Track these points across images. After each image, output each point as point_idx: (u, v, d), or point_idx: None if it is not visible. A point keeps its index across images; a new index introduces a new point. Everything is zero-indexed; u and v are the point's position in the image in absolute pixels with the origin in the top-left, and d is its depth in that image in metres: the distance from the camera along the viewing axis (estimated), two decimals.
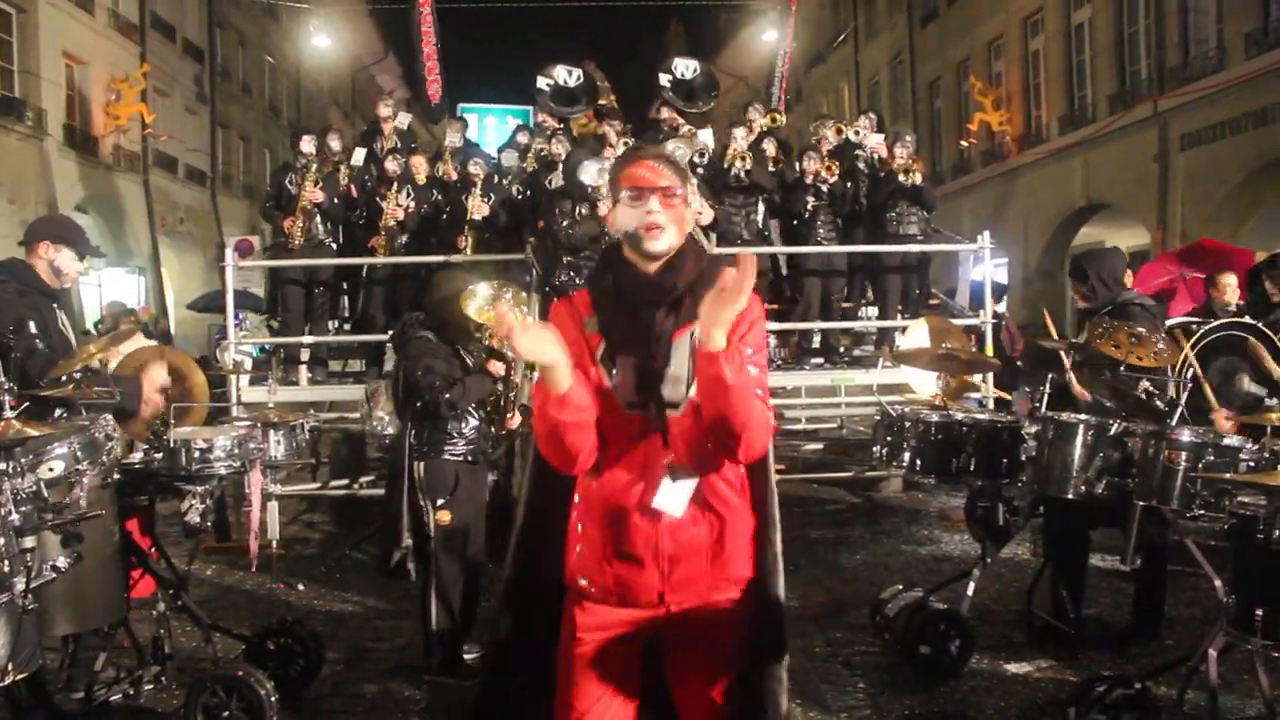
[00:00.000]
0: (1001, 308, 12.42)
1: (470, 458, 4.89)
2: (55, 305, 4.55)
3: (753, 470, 2.61)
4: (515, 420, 5.28)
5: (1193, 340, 5.17)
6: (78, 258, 4.58)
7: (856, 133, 9.75)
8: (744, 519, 2.57)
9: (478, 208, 8.92)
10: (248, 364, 9.15)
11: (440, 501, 4.77)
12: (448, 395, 4.68)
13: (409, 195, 9.11)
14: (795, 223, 9.31)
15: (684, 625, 2.54)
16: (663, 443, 2.45)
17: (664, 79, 9.72)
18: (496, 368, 4.93)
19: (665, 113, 9.47)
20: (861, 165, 9.53)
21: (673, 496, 2.46)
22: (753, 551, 2.59)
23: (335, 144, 9.56)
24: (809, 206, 9.10)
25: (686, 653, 2.57)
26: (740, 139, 9.11)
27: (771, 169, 9.27)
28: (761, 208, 9.12)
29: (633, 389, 2.46)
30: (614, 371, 2.45)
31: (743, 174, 8.89)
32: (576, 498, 2.60)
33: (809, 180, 9.10)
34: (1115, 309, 5.30)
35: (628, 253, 2.50)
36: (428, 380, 4.71)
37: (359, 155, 9.55)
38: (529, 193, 9.27)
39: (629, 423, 2.46)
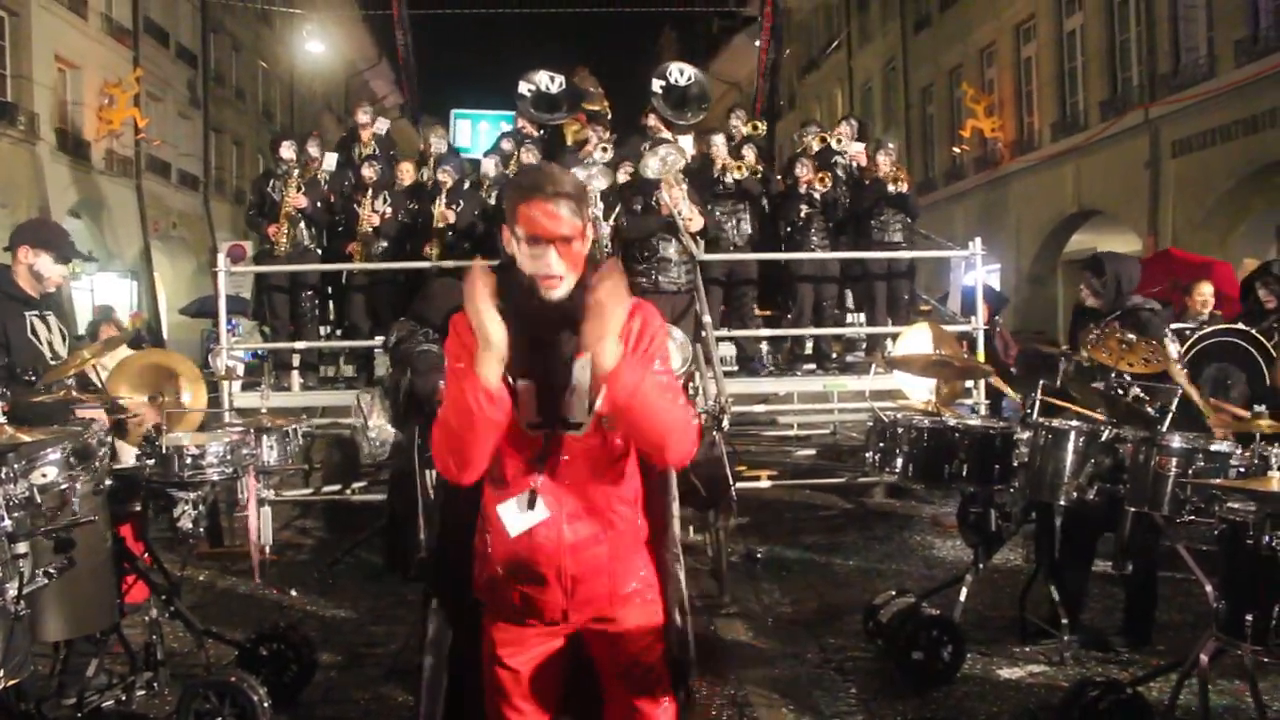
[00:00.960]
0: (997, 316, 12.43)
1: None
2: (34, 313, 4.48)
3: (651, 484, 2.65)
4: None
5: (1185, 347, 5.19)
6: (58, 261, 4.51)
7: (838, 140, 9.77)
8: (637, 533, 2.62)
9: (442, 216, 8.93)
10: (240, 369, 9.15)
11: None
12: None
13: (385, 201, 9.11)
14: (789, 230, 9.33)
15: (599, 641, 2.60)
16: (548, 464, 2.46)
17: (656, 84, 9.72)
18: None
19: (651, 119, 9.47)
20: (840, 173, 9.56)
21: (516, 518, 2.47)
22: (651, 562, 2.64)
23: (314, 150, 9.56)
24: (803, 215, 9.12)
25: (607, 670, 2.63)
26: (719, 145, 9.12)
27: (755, 175, 9.28)
28: (749, 214, 9.12)
29: (534, 409, 2.44)
30: (515, 391, 2.42)
31: (730, 180, 8.90)
32: (480, 519, 2.60)
33: (802, 189, 9.13)
34: (1125, 313, 5.32)
35: (526, 282, 2.46)
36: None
37: (330, 161, 9.54)
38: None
39: (531, 443, 2.46)
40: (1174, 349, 4.73)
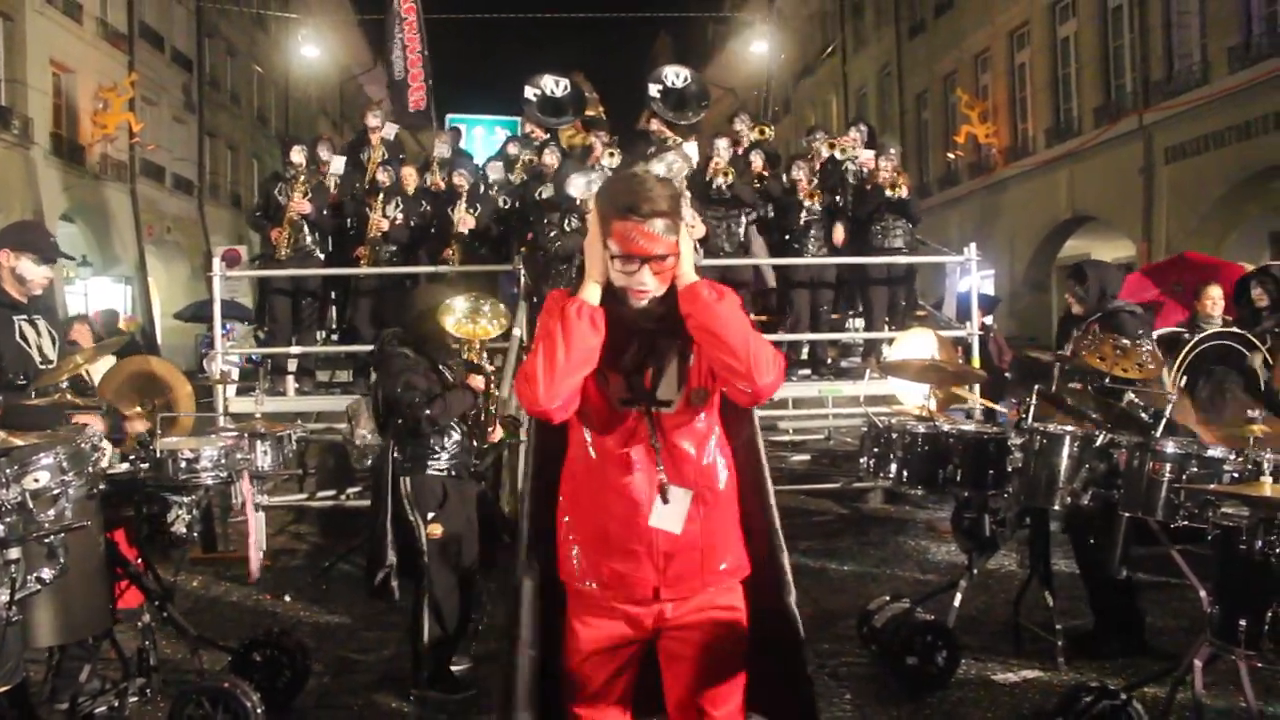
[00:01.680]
0: (990, 320, 12.46)
1: (455, 471, 4.88)
2: (22, 317, 4.44)
3: (745, 476, 2.65)
4: (497, 434, 5.27)
5: (1185, 352, 5.21)
6: (40, 262, 4.44)
7: (844, 150, 9.77)
8: (732, 512, 2.61)
9: (463, 220, 8.91)
10: (235, 374, 9.14)
11: (430, 515, 4.75)
12: (429, 411, 4.65)
13: (397, 207, 9.10)
14: (787, 237, 9.33)
15: (681, 633, 2.56)
16: (650, 442, 2.48)
17: (653, 89, 9.73)
18: (476, 382, 4.92)
19: (654, 124, 9.48)
20: (850, 178, 9.57)
21: (669, 515, 2.49)
22: (746, 545, 2.64)
23: (325, 154, 9.57)
24: (802, 220, 9.13)
25: (680, 665, 2.59)
26: (723, 150, 9.13)
27: (757, 184, 9.29)
28: (744, 219, 9.13)
29: (624, 386, 2.49)
30: (605, 369, 2.47)
31: (724, 188, 8.91)
32: (563, 499, 2.61)
33: (801, 196, 9.13)
34: (1105, 316, 5.35)
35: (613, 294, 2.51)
36: (408, 397, 4.68)
37: (338, 164, 9.53)
38: (516, 204, 9.27)
39: (620, 418, 2.49)
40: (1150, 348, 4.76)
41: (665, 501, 2.48)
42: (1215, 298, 7.75)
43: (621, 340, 2.47)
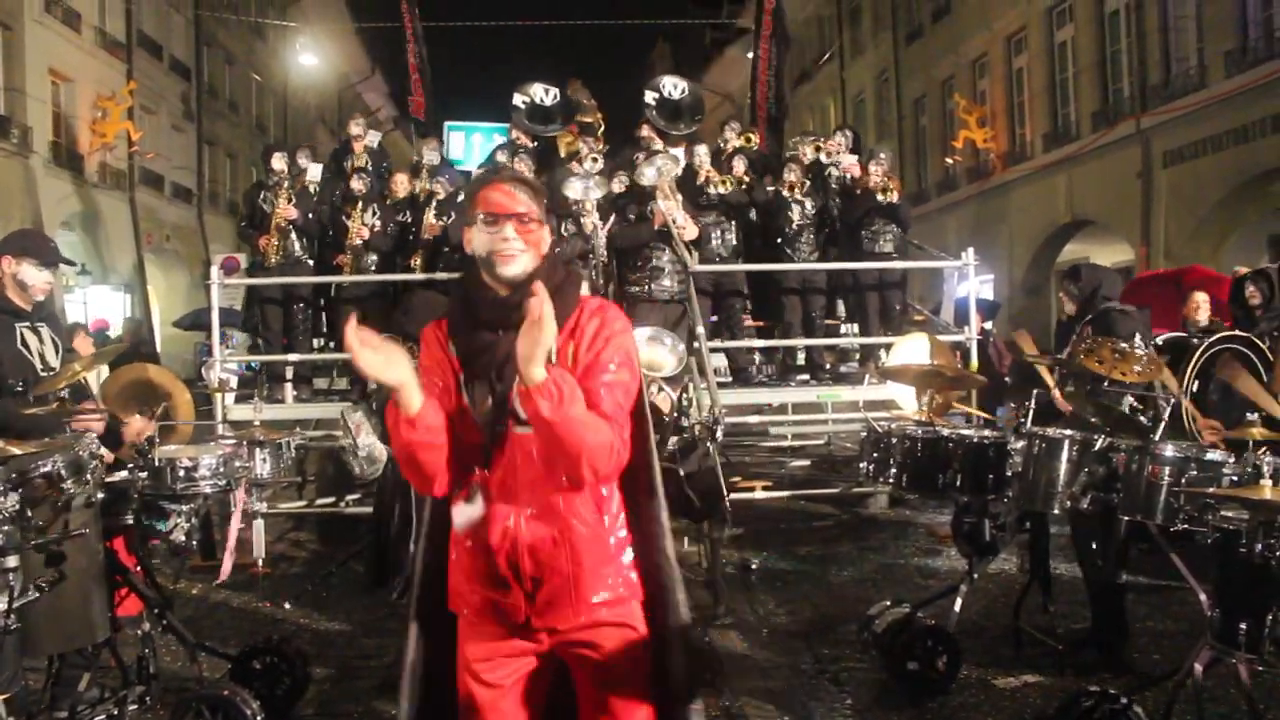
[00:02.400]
0: (990, 325, 12.46)
1: None
2: (24, 324, 4.45)
3: (633, 491, 2.59)
4: None
5: (1197, 355, 5.22)
6: (41, 267, 4.44)
7: (829, 154, 9.79)
8: (606, 541, 2.52)
9: (430, 227, 8.89)
10: (233, 382, 9.12)
11: None
12: None
13: (374, 214, 9.09)
14: (780, 240, 9.34)
15: (573, 652, 2.53)
16: (502, 461, 2.44)
17: (649, 96, 9.74)
18: None
19: (645, 131, 9.48)
20: (834, 184, 9.58)
21: (461, 513, 2.49)
22: (638, 571, 2.57)
23: (304, 161, 9.54)
24: (793, 226, 9.14)
25: (582, 684, 2.57)
26: (702, 155, 9.13)
27: (739, 186, 9.30)
28: (735, 226, 9.13)
29: (488, 404, 2.44)
30: (472, 392, 2.43)
31: (714, 193, 8.91)
32: (453, 521, 2.57)
33: (787, 194, 9.14)
34: (1097, 317, 5.36)
35: (484, 275, 2.48)
36: None
37: (314, 171, 9.51)
38: None
39: (479, 440, 2.45)
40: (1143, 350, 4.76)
41: (469, 502, 2.47)
42: (1201, 302, 7.81)
43: (484, 347, 2.43)
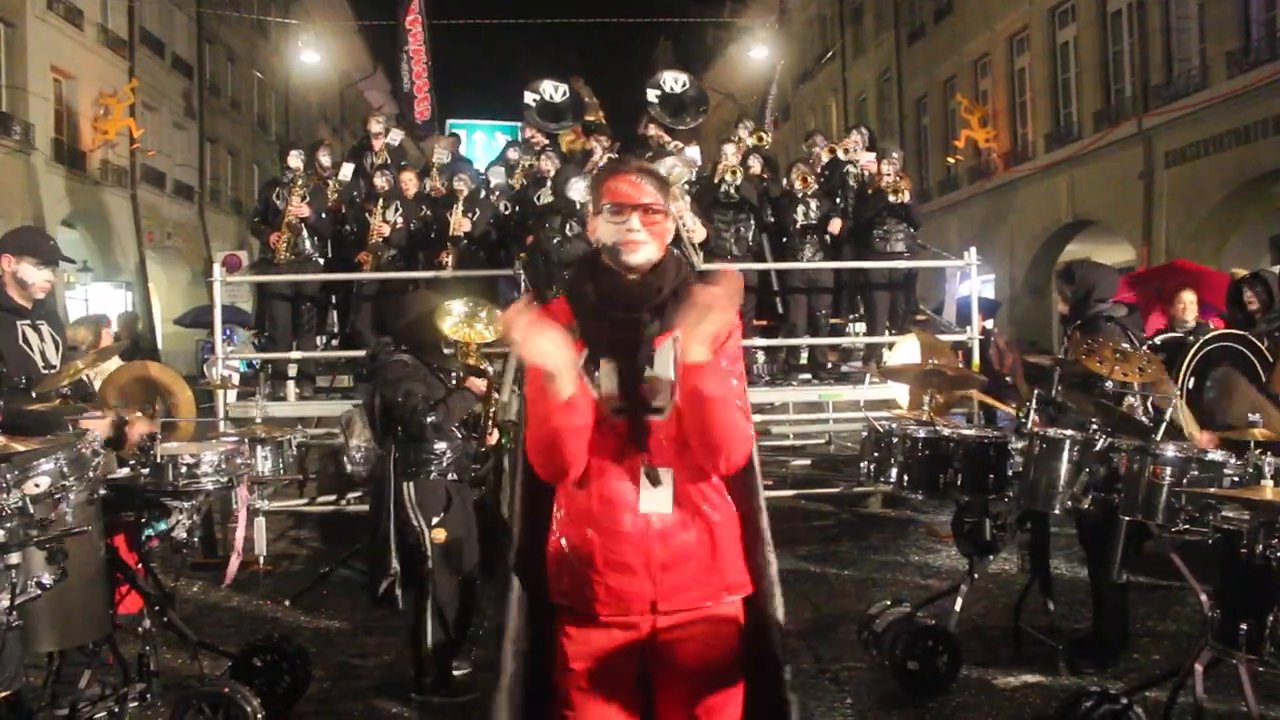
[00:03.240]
0: (991, 324, 12.46)
1: (457, 475, 4.89)
2: (25, 322, 4.45)
3: (735, 484, 2.58)
4: (494, 436, 5.27)
5: (1192, 353, 5.20)
6: (41, 265, 4.45)
7: (846, 151, 9.80)
8: (732, 528, 2.55)
9: (459, 224, 8.92)
10: (235, 379, 9.13)
11: (435, 520, 4.75)
12: (431, 417, 4.66)
13: (397, 211, 9.11)
14: (785, 239, 9.34)
15: (675, 646, 2.49)
16: (641, 448, 2.44)
17: (651, 94, 9.73)
18: (477, 385, 4.91)
19: (652, 129, 9.49)
20: (851, 181, 9.58)
21: (656, 497, 2.45)
22: (746, 565, 2.56)
23: (325, 159, 9.56)
24: (798, 224, 9.14)
25: (675, 678, 2.51)
26: (730, 155, 9.15)
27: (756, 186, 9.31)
28: (753, 223, 9.14)
29: (617, 395, 2.43)
30: (597, 378, 2.42)
31: (733, 190, 8.93)
32: (557, 512, 2.54)
33: (797, 194, 9.15)
34: (1086, 322, 5.36)
35: (607, 262, 2.50)
36: (409, 404, 4.68)
37: (347, 171, 9.55)
38: (516, 209, 9.28)
39: (614, 428, 2.44)
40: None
41: (652, 483, 2.44)
42: (1188, 302, 7.83)
43: (612, 334, 2.44)
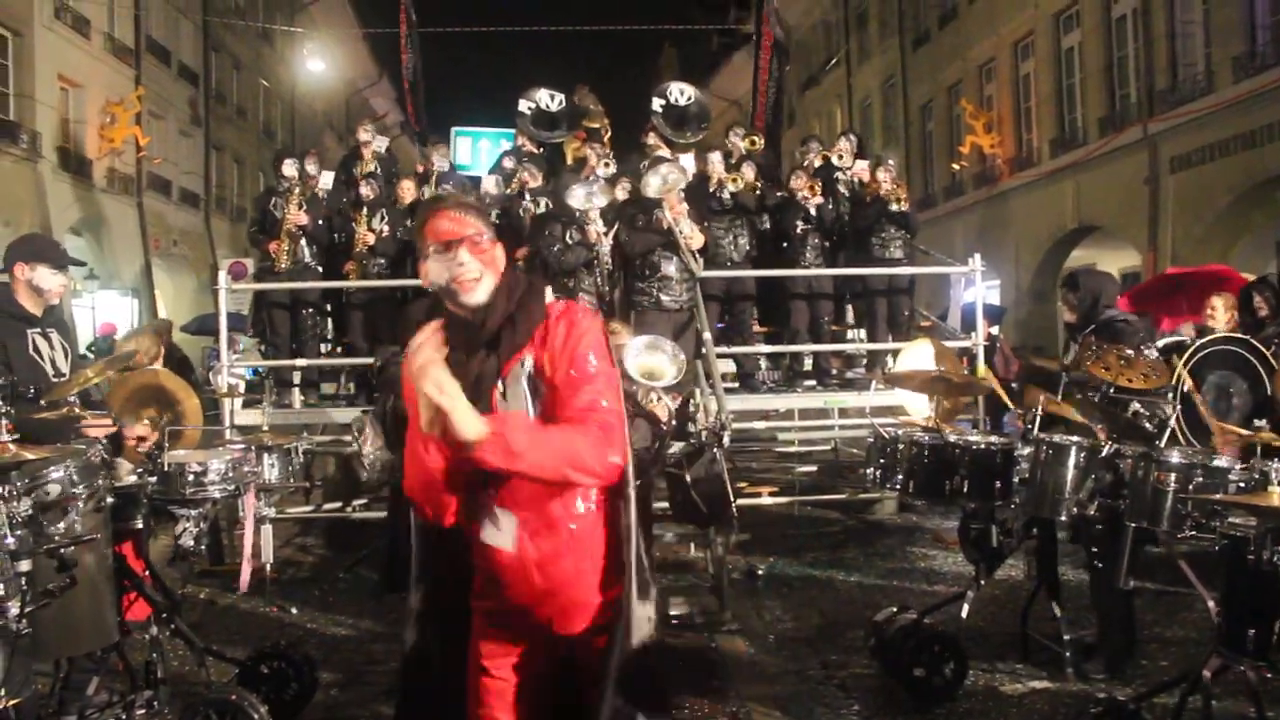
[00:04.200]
0: (996, 330, 12.45)
1: None
2: (35, 330, 4.47)
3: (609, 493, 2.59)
4: None
5: (1187, 355, 5.20)
6: (55, 270, 4.48)
7: (839, 156, 9.80)
8: (603, 534, 2.57)
9: None
10: (241, 387, 9.15)
11: None
12: None
13: (383, 219, 9.11)
14: (785, 245, 9.35)
15: (584, 650, 2.56)
16: (493, 483, 2.47)
17: (656, 103, 9.74)
18: None
19: (651, 138, 9.49)
20: (842, 188, 9.59)
21: (498, 536, 2.51)
22: (611, 565, 2.59)
23: (312, 168, 9.57)
24: (798, 230, 9.15)
25: (589, 679, 2.57)
26: (716, 162, 9.15)
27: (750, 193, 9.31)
28: (748, 230, 9.14)
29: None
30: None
31: (727, 196, 8.93)
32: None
33: (799, 198, 9.15)
34: (1099, 326, 5.36)
35: (448, 304, 2.50)
36: None
37: (326, 179, 9.56)
38: (505, 219, 9.27)
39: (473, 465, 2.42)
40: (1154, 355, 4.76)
41: (495, 524, 2.50)
42: (1218, 308, 7.77)
43: (457, 374, 2.35)
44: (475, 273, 2.44)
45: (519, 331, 2.45)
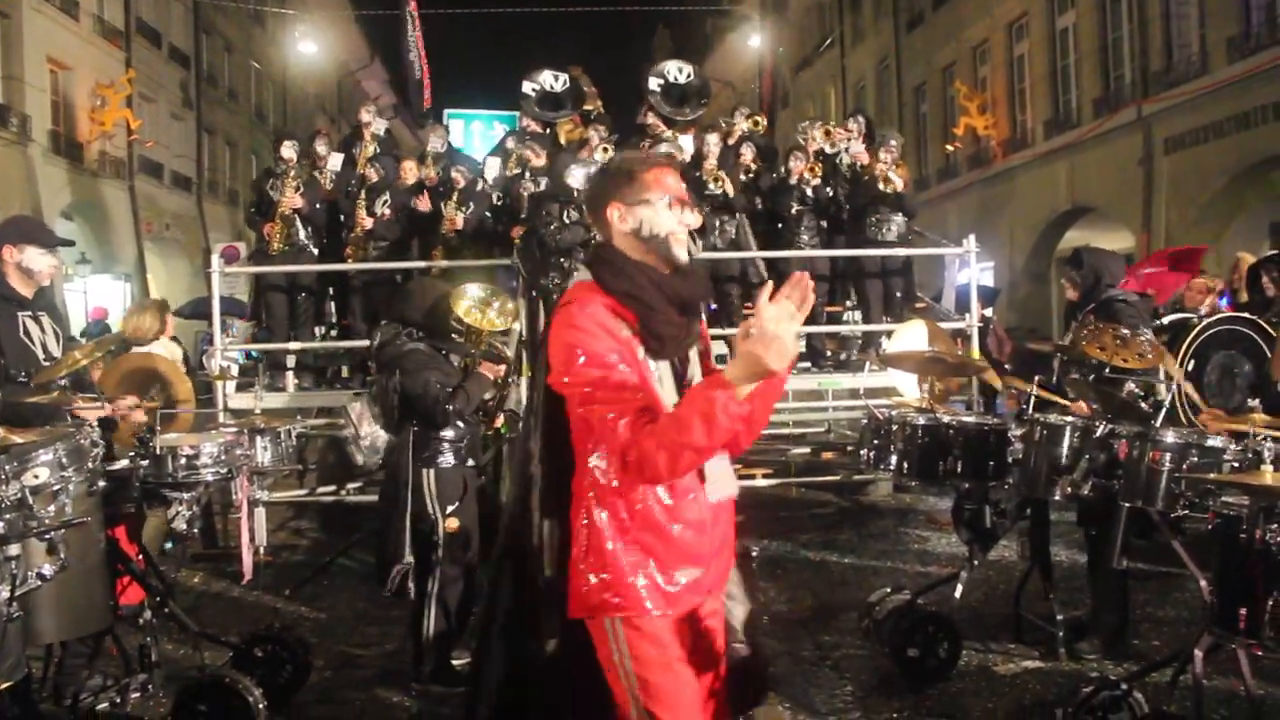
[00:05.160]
0: (990, 312, 12.45)
1: (472, 460, 4.92)
2: (26, 313, 4.44)
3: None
4: (499, 421, 5.26)
5: (1192, 334, 5.19)
6: (43, 251, 4.44)
7: (833, 144, 9.74)
8: None
9: (452, 219, 8.84)
10: (234, 370, 9.12)
11: (450, 508, 4.75)
12: (453, 405, 4.66)
13: (385, 203, 9.06)
14: (780, 225, 9.32)
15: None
16: None
17: (654, 83, 9.69)
18: (496, 370, 4.90)
19: (650, 118, 9.45)
20: (843, 169, 9.54)
21: (725, 485, 2.53)
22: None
23: (322, 148, 9.52)
24: (793, 210, 9.11)
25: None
26: (714, 146, 9.10)
27: (746, 174, 9.27)
28: (739, 217, 9.11)
29: (674, 392, 2.46)
30: (655, 376, 2.43)
31: (718, 191, 8.90)
32: (604, 516, 2.40)
33: (794, 180, 9.12)
34: (1100, 305, 5.35)
35: (643, 256, 2.45)
36: (433, 393, 4.66)
37: (336, 161, 9.50)
38: (506, 199, 9.25)
39: None
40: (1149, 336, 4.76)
41: (722, 478, 2.52)
42: (1200, 289, 7.82)
43: (663, 333, 2.42)
44: (694, 226, 2.52)
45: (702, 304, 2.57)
